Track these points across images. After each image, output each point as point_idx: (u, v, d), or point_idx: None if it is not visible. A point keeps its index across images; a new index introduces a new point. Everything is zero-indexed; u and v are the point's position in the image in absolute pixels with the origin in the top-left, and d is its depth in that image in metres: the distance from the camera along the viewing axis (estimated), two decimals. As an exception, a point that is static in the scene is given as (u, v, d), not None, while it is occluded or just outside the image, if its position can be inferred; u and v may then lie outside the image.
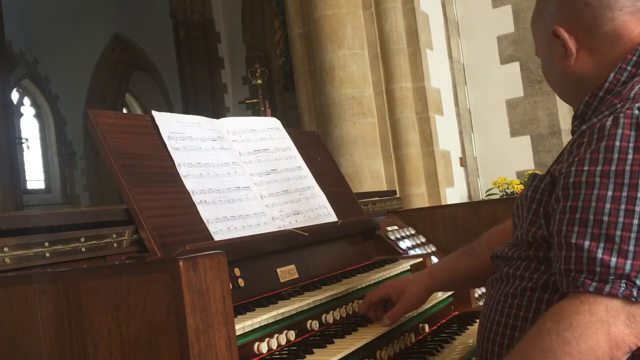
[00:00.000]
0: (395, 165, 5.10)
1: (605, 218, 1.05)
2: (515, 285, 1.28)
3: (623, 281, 1.03)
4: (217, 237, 1.59)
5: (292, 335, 1.44)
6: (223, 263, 0.99)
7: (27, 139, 17.50)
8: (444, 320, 2.02)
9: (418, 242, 2.48)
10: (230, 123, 1.96)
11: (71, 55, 15.93)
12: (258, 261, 1.63)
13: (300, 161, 2.08)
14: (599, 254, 1.05)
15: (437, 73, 5.72)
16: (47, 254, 1.30)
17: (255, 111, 8.44)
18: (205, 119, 1.89)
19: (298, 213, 1.91)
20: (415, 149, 5.13)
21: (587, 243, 1.06)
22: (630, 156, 1.06)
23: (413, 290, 1.65)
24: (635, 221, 1.04)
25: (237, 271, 1.53)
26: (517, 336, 1.23)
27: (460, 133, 6.22)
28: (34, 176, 18.56)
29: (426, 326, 1.85)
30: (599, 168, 1.08)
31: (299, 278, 1.74)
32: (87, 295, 0.98)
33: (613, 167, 1.07)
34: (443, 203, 5.14)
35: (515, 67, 6.25)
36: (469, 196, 6.18)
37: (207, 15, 13.28)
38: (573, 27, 1.29)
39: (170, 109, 13.86)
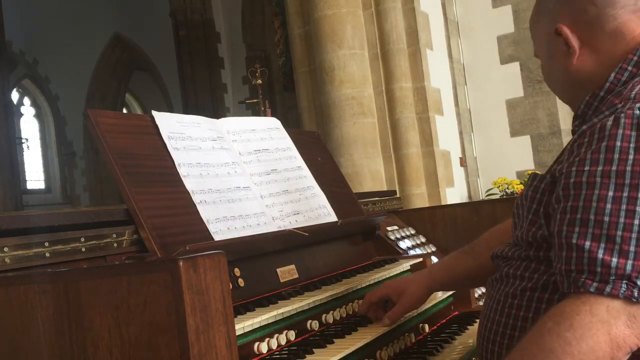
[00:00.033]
0: (395, 165, 5.10)
1: (606, 218, 1.05)
2: (515, 285, 1.28)
3: (624, 282, 1.03)
4: (217, 237, 1.59)
5: (292, 335, 1.44)
6: (223, 263, 0.99)
7: (27, 139, 17.50)
8: (444, 320, 2.02)
9: (418, 242, 2.48)
10: (230, 123, 1.96)
11: (71, 55, 15.93)
12: (258, 261, 1.63)
13: (300, 161, 2.08)
14: (600, 255, 1.05)
15: (437, 73, 5.72)
16: (47, 254, 1.30)
17: (255, 111, 8.44)
18: (205, 119, 1.89)
19: (298, 213, 1.91)
20: (415, 149, 5.13)
21: (587, 243, 1.06)
22: (631, 156, 1.06)
23: (413, 290, 1.65)
24: (636, 221, 1.04)
25: (237, 271, 1.53)
26: (517, 336, 1.23)
27: (460, 133, 6.22)
28: (34, 176, 18.56)
29: (426, 326, 1.85)
30: (600, 168, 1.08)
31: (299, 278, 1.74)
32: (87, 295, 0.98)
33: (614, 167, 1.07)
34: (443, 203, 5.14)
35: (515, 67, 6.25)
36: (469, 196, 6.18)
37: (207, 15, 13.29)
38: (576, 25, 1.29)
39: (170, 109, 13.87)
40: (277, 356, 1.37)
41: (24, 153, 17.32)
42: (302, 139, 2.21)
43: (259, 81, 7.00)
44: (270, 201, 1.85)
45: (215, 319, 0.96)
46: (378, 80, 5.09)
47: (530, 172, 5.08)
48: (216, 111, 12.51)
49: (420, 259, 2.12)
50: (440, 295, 1.98)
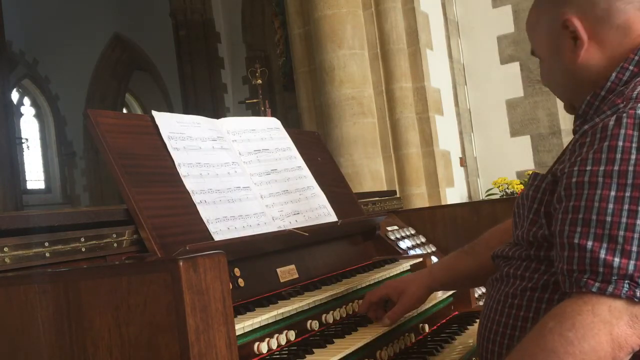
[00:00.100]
0: (395, 165, 5.10)
1: (608, 218, 1.05)
2: (516, 285, 1.28)
3: (626, 282, 1.03)
4: (217, 237, 1.59)
5: (292, 335, 1.44)
6: (223, 263, 0.99)
7: (27, 139, 17.50)
8: (444, 320, 2.01)
9: (418, 242, 2.48)
10: (230, 123, 1.96)
11: (71, 55, 15.93)
12: (258, 261, 1.63)
13: (300, 161, 2.08)
14: (602, 254, 1.05)
15: (437, 73, 5.72)
16: (47, 254, 1.30)
17: (255, 111, 8.44)
18: (205, 119, 1.89)
19: (298, 213, 1.91)
20: (415, 149, 5.13)
21: (590, 243, 1.06)
22: (633, 156, 1.06)
23: (413, 289, 1.65)
24: (638, 221, 1.04)
25: (237, 271, 1.52)
26: (517, 336, 1.23)
27: (460, 133, 6.22)
28: (34, 176, 18.56)
29: (426, 326, 1.85)
30: (602, 168, 1.07)
31: (299, 278, 1.73)
32: (87, 295, 0.98)
33: (616, 167, 1.06)
34: (443, 203, 5.14)
35: (515, 67, 6.25)
36: (469, 196, 6.18)
37: (207, 15, 13.29)
38: (585, 18, 1.27)
39: (170, 109, 13.87)
40: (277, 356, 1.37)
41: (24, 153, 17.32)
42: (302, 139, 2.21)
43: (259, 81, 7.00)
44: (270, 201, 1.85)
45: (215, 319, 0.96)
46: (378, 80, 5.09)
47: (530, 172, 5.08)
48: (216, 111, 12.51)
49: (420, 259, 2.12)
50: (440, 295, 1.98)
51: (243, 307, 1.41)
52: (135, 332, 0.94)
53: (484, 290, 2.31)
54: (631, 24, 1.25)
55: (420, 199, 5.07)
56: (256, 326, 1.35)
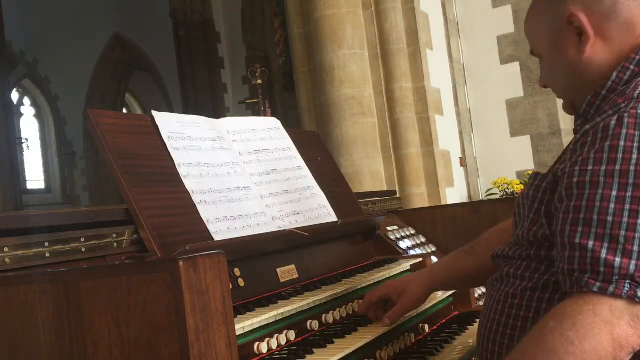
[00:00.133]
0: (395, 165, 5.10)
1: (610, 218, 1.05)
2: (516, 285, 1.28)
3: (627, 281, 1.03)
4: (217, 237, 1.58)
5: (292, 335, 1.44)
6: (223, 263, 0.99)
7: (27, 139, 17.50)
8: (444, 320, 2.01)
9: (418, 242, 2.48)
10: (230, 123, 1.96)
11: (71, 55, 15.93)
12: (258, 261, 1.63)
13: (300, 161, 2.08)
14: (603, 254, 1.05)
15: (437, 73, 5.72)
16: (47, 254, 1.30)
17: (255, 111, 8.44)
18: (205, 119, 1.89)
19: (298, 213, 1.91)
20: (415, 149, 5.13)
21: (591, 243, 1.06)
22: (634, 156, 1.05)
23: (413, 289, 1.65)
24: (640, 221, 1.04)
25: (237, 271, 1.52)
26: (518, 336, 1.23)
27: (460, 133, 6.22)
28: (34, 176, 18.56)
29: (426, 326, 1.85)
30: (603, 168, 1.07)
31: (299, 278, 1.73)
32: (87, 295, 0.98)
33: (617, 167, 1.06)
34: (443, 203, 5.14)
35: (515, 67, 6.25)
36: (469, 196, 6.18)
37: (207, 15, 13.29)
38: (591, 13, 1.26)
39: (170, 109, 13.87)
40: (277, 356, 1.37)
41: (24, 153, 17.32)
42: (302, 139, 2.21)
43: (259, 81, 7.00)
44: (270, 201, 1.85)
45: (215, 319, 0.96)
46: (378, 80, 5.09)
47: (530, 172, 5.09)
48: (216, 111, 12.51)
49: (420, 259, 2.12)
50: (440, 295, 1.98)
51: (243, 307, 1.40)
52: (135, 332, 0.94)
53: (484, 290, 2.31)
54: (635, 22, 1.24)
55: (420, 199, 5.07)
56: (256, 326, 1.35)
